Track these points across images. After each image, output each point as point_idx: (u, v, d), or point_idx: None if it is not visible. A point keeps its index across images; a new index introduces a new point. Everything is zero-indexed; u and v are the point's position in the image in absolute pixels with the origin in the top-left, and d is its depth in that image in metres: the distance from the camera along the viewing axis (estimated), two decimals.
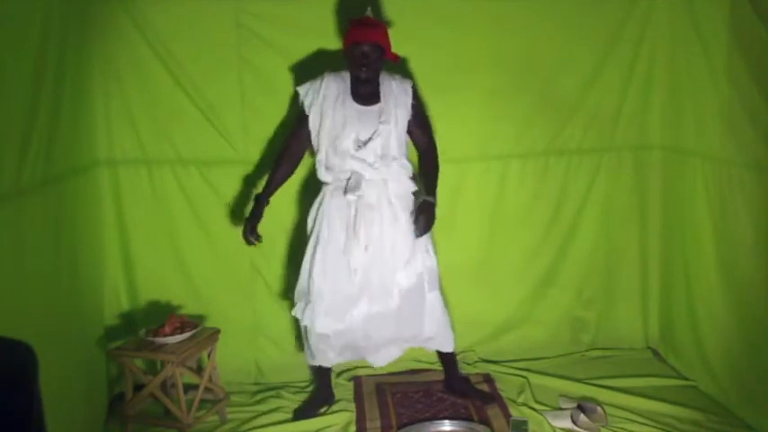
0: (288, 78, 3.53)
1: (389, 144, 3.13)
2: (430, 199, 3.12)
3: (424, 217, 3.09)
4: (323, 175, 3.18)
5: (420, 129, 3.23)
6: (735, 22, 3.08)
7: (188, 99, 3.50)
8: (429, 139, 3.26)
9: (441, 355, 3.44)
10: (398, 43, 3.46)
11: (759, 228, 3.00)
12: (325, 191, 3.21)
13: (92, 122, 3.38)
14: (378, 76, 3.15)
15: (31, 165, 2.60)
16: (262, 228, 3.62)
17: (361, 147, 3.10)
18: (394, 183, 3.16)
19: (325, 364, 3.33)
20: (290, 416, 3.33)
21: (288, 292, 3.68)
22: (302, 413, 3.32)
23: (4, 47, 2.43)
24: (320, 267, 3.14)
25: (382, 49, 3.08)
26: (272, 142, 3.58)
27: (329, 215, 3.15)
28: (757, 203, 3.00)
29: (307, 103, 3.15)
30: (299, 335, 3.50)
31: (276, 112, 3.56)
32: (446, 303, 3.30)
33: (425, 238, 3.19)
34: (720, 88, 3.20)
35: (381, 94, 3.15)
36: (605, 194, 3.85)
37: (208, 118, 3.53)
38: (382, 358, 3.31)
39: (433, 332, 3.26)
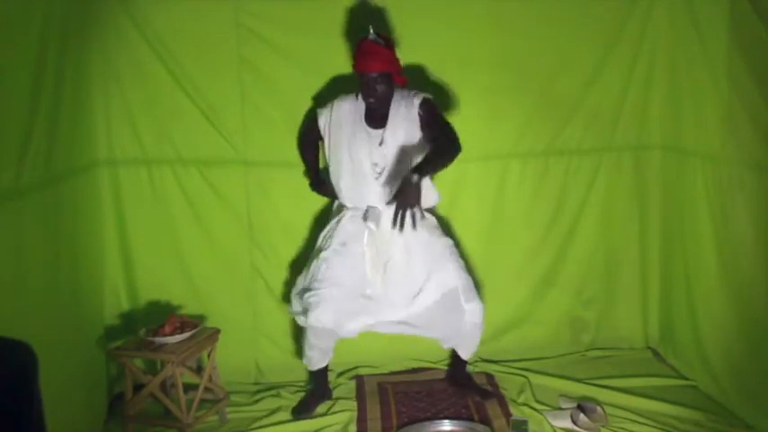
0: (288, 78, 3.53)
1: (402, 167, 3.12)
2: (411, 175, 2.81)
3: (398, 200, 2.80)
4: (343, 198, 3.29)
5: (430, 129, 3.14)
6: (735, 22, 3.08)
7: (188, 99, 3.50)
8: (440, 132, 3.10)
9: (453, 352, 3.48)
10: (398, 44, 3.47)
11: (759, 228, 3.01)
12: (345, 213, 3.29)
13: (92, 122, 3.38)
14: (389, 100, 3.16)
15: (30, 165, 2.60)
16: (262, 227, 3.65)
17: (379, 174, 3.16)
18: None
19: (323, 363, 3.34)
20: (290, 416, 3.33)
21: (288, 292, 3.69)
22: (301, 411, 3.32)
23: (4, 47, 2.43)
24: (333, 272, 3.18)
25: (390, 75, 3.10)
26: (272, 142, 3.58)
27: (345, 236, 3.23)
28: (757, 203, 3.00)
29: (321, 125, 3.29)
30: (299, 338, 3.49)
31: (276, 112, 3.56)
32: (484, 315, 3.29)
33: (451, 257, 3.26)
34: (720, 88, 3.19)
35: (390, 117, 3.17)
36: (605, 194, 3.85)
37: (208, 118, 3.53)
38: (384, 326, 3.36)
39: (460, 338, 3.31)
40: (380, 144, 3.15)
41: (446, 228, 3.55)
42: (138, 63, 3.44)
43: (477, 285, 3.39)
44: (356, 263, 3.20)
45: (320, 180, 3.47)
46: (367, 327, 3.32)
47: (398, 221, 2.78)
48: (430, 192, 3.27)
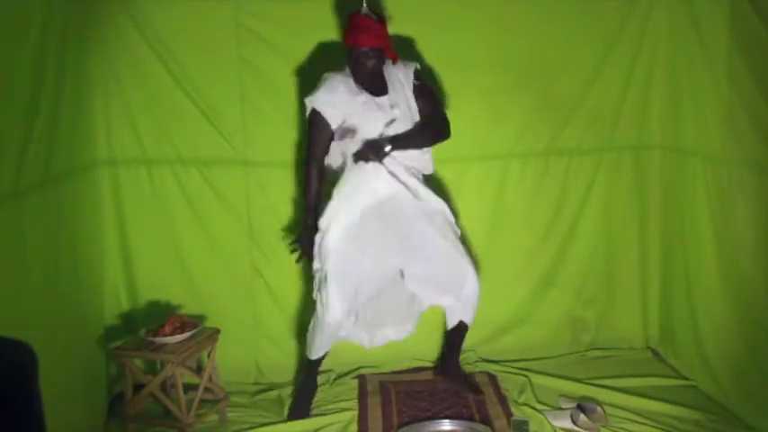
0: (288, 78, 3.53)
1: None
2: (384, 141, 3.06)
3: (364, 148, 3.05)
4: (352, 173, 3.15)
5: (425, 104, 3.21)
6: (735, 22, 3.08)
7: (188, 99, 3.50)
8: (433, 110, 3.22)
9: (451, 333, 3.43)
10: (399, 43, 3.47)
11: (759, 228, 3.00)
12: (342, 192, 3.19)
13: (92, 122, 3.38)
14: (381, 71, 3.15)
15: (30, 165, 2.60)
16: (262, 228, 3.65)
17: (389, 125, 3.12)
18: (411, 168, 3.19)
19: (327, 349, 3.30)
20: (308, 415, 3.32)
21: (288, 292, 3.69)
22: (297, 412, 3.31)
23: (4, 47, 2.43)
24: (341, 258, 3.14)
25: (381, 50, 3.09)
26: (272, 142, 3.58)
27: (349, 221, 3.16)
28: (757, 203, 3.00)
29: (328, 113, 3.11)
30: (299, 332, 3.47)
31: (276, 112, 3.56)
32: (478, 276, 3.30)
33: (453, 235, 3.27)
34: (720, 88, 3.19)
35: (389, 84, 3.16)
36: (605, 194, 3.85)
37: (208, 118, 3.53)
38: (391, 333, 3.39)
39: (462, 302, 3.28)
40: (392, 108, 3.13)
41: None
42: (138, 63, 3.44)
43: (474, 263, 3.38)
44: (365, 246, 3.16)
45: (316, 224, 3.21)
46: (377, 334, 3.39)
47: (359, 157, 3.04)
48: (429, 163, 3.29)
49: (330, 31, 3.51)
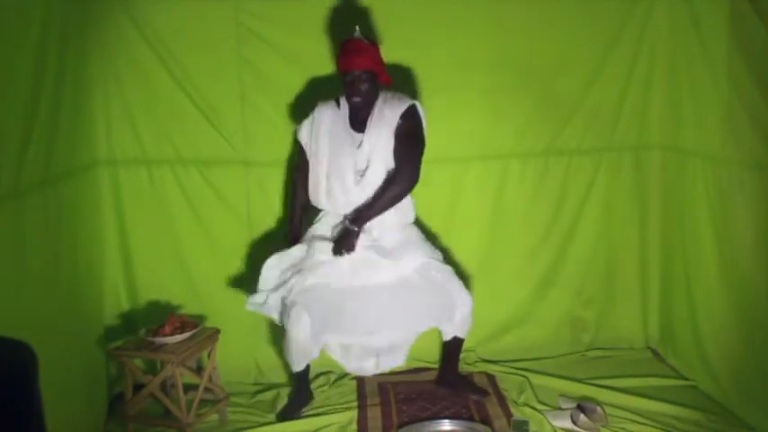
0: (288, 78, 3.53)
1: (383, 175, 3.14)
2: (350, 227, 3.13)
3: (337, 244, 3.13)
4: (322, 202, 3.24)
5: (399, 146, 3.14)
6: (735, 22, 3.08)
7: (188, 99, 3.50)
8: (409, 158, 3.13)
9: (447, 344, 3.42)
10: (399, 44, 3.48)
11: (759, 228, 3.00)
12: (323, 218, 3.27)
13: (92, 122, 3.38)
14: (374, 101, 3.15)
15: (30, 165, 2.60)
16: (262, 228, 3.65)
17: (360, 178, 3.13)
18: (386, 224, 3.20)
19: (305, 364, 3.27)
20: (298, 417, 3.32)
21: None
22: (286, 415, 3.31)
23: (4, 47, 2.43)
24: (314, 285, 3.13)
25: (374, 73, 3.09)
26: (272, 142, 3.58)
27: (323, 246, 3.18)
28: (757, 203, 3.00)
29: (304, 141, 3.23)
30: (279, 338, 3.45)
31: (276, 112, 3.56)
32: (468, 289, 3.30)
33: (421, 244, 3.25)
34: (720, 88, 3.19)
35: (369, 121, 3.15)
36: (605, 194, 3.85)
37: (208, 118, 3.53)
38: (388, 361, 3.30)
39: (453, 311, 3.25)
40: (359, 146, 3.14)
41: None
42: (138, 63, 3.44)
43: (465, 280, 3.38)
44: (337, 271, 3.16)
45: (299, 234, 3.31)
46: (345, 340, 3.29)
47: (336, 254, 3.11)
48: (409, 211, 3.30)
49: (330, 32, 3.50)
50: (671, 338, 3.82)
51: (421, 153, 3.18)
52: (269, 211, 3.65)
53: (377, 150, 3.14)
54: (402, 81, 3.55)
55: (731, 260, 3.20)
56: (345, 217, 3.18)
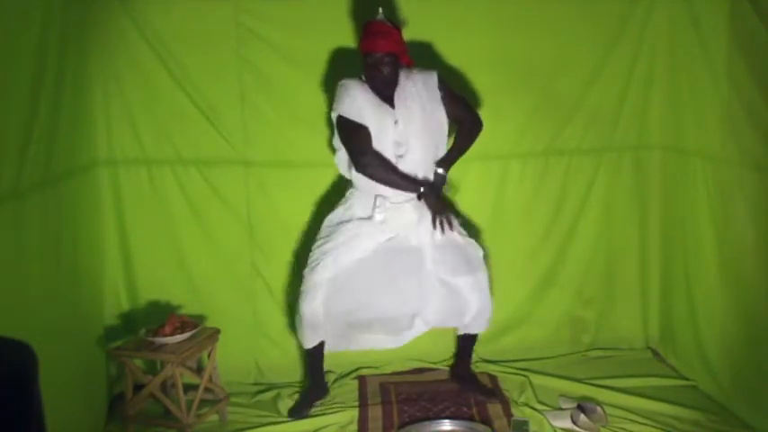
0: (288, 78, 3.53)
1: (426, 150, 3.15)
2: (440, 171, 3.18)
3: (434, 208, 3.14)
4: (366, 181, 3.16)
5: (455, 108, 3.22)
6: (735, 22, 3.08)
7: (188, 99, 3.50)
8: (464, 112, 3.25)
9: (461, 338, 3.46)
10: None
11: (759, 228, 3.01)
12: (352, 196, 3.23)
13: (92, 122, 3.38)
14: (396, 80, 3.14)
15: (30, 165, 2.60)
16: (262, 228, 3.65)
17: (400, 156, 3.12)
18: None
19: (318, 339, 3.29)
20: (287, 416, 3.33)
21: (288, 292, 3.68)
22: (297, 412, 3.32)
23: (4, 47, 2.42)
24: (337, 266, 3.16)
25: (396, 56, 3.08)
26: (272, 142, 3.58)
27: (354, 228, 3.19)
28: (757, 203, 3.00)
29: (352, 115, 3.08)
30: (293, 322, 3.44)
31: (276, 113, 3.56)
32: (490, 285, 3.34)
33: (458, 234, 3.26)
34: (720, 88, 3.20)
35: (400, 95, 3.13)
36: (605, 194, 3.85)
37: (208, 118, 3.53)
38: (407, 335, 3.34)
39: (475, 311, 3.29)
40: (396, 123, 3.12)
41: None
42: (138, 63, 3.44)
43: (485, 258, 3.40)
44: (363, 259, 3.18)
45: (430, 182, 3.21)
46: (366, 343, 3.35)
47: (438, 227, 3.15)
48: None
49: (330, 31, 3.51)
50: (671, 338, 3.82)
51: (469, 102, 3.34)
52: (269, 211, 3.64)
53: (411, 127, 3.13)
54: None
55: (731, 260, 3.20)
56: (376, 198, 3.14)
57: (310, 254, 3.26)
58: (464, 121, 3.25)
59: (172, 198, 3.58)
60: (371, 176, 3.09)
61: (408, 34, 3.50)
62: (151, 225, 3.58)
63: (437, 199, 3.17)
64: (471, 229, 3.54)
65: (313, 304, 3.17)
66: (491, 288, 3.34)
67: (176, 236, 3.61)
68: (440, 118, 3.19)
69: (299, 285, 3.27)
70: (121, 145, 3.51)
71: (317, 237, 3.29)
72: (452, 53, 3.60)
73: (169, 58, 3.45)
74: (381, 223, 3.16)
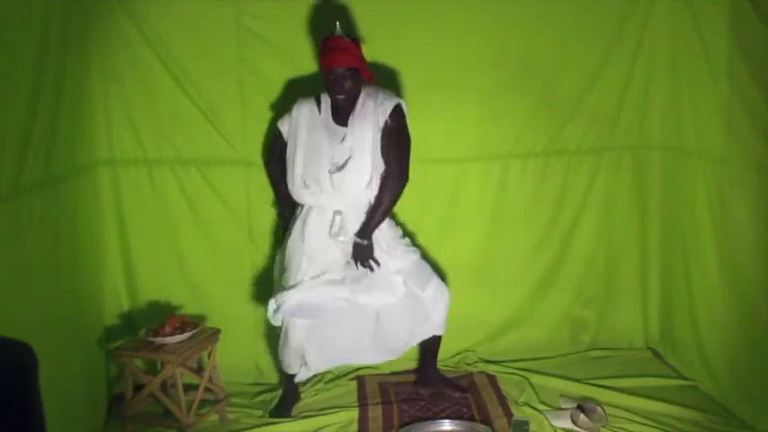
0: (288, 78, 3.53)
1: (363, 168, 3.13)
2: (360, 241, 3.15)
3: (356, 260, 3.17)
4: (300, 196, 3.23)
5: (391, 146, 3.16)
6: (735, 22, 3.08)
7: (188, 99, 3.50)
8: (398, 158, 3.16)
9: (425, 343, 3.44)
10: (398, 43, 3.48)
11: (759, 228, 3.01)
12: (308, 212, 3.24)
13: (92, 122, 3.38)
14: (357, 96, 3.15)
15: (31, 165, 2.60)
16: (262, 228, 3.65)
17: (336, 171, 3.12)
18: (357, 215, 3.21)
19: (303, 374, 3.37)
20: (290, 416, 3.33)
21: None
22: (278, 412, 3.34)
23: (4, 47, 2.42)
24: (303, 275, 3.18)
25: (356, 69, 3.09)
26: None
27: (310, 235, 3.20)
28: (757, 203, 3.00)
29: (284, 132, 3.26)
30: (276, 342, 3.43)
31: (276, 113, 3.56)
32: (445, 285, 3.34)
33: (397, 242, 3.27)
34: (720, 88, 3.20)
35: (352, 116, 3.15)
36: (605, 194, 3.85)
37: (208, 118, 3.52)
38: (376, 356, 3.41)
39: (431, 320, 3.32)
40: (342, 141, 3.14)
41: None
42: (138, 63, 3.44)
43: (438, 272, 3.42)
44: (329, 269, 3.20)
45: (285, 212, 3.39)
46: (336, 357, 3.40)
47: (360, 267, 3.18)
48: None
49: (330, 32, 3.50)
50: (671, 338, 3.82)
51: (409, 151, 3.21)
52: (269, 211, 3.64)
53: (359, 144, 3.13)
54: (402, 81, 3.55)
55: (731, 260, 3.20)
56: (334, 213, 3.17)
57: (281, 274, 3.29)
58: (390, 166, 3.16)
59: (172, 198, 3.58)
60: (267, 171, 3.42)
61: (408, 34, 3.52)
62: (151, 225, 3.58)
63: (363, 264, 3.18)
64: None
65: (298, 336, 3.18)
66: (448, 289, 3.34)
67: (176, 236, 3.60)
68: (375, 143, 3.15)
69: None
70: (121, 145, 3.51)
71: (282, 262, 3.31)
72: (452, 53, 3.59)
73: (169, 58, 3.44)
74: (342, 241, 3.18)
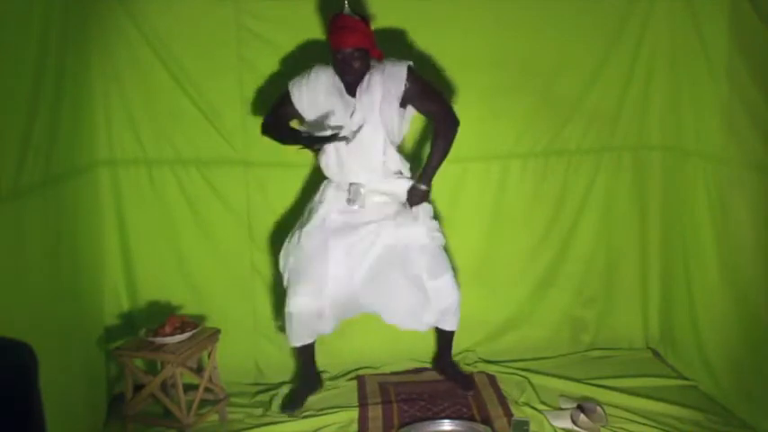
0: (288, 78, 3.52)
1: (374, 140, 3.14)
2: (419, 186, 3.20)
3: (409, 201, 3.22)
4: (326, 169, 3.25)
5: (425, 102, 3.18)
6: (735, 22, 3.08)
7: (188, 99, 3.50)
8: (438, 106, 3.20)
9: (438, 334, 3.50)
10: (398, 43, 3.48)
11: (759, 228, 3.01)
12: (327, 185, 3.28)
13: (92, 122, 3.38)
14: (365, 73, 3.13)
15: (31, 165, 2.60)
16: (262, 228, 3.65)
17: (350, 139, 3.11)
18: (384, 180, 3.23)
19: (308, 339, 3.34)
20: (290, 416, 3.33)
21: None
22: (288, 406, 3.34)
23: (4, 47, 2.42)
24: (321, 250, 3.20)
25: (366, 50, 3.08)
26: (272, 142, 3.56)
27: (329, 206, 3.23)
28: (757, 203, 3.00)
29: (294, 94, 3.18)
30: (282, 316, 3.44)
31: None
32: (456, 284, 3.34)
33: (431, 220, 3.30)
34: (720, 88, 3.20)
35: (359, 88, 3.13)
36: (605, 194, 3.85)
37: (208, 118, 3.53)
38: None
39: (441, 312, 3.32)
40: (351, 115, 3.13)
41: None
42: (138, 63, 3.44)
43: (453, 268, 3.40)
44: (336, 240, 3.22)
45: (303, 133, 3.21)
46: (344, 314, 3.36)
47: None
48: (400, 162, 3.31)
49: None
50: (671, 338, 3.82)
51: (443, 96, 3.28)
52: (269, 211, 3.65)
53: (369, 115, 3.12)
54: None
55: (731, 260, 3.20)
56: (350, 185, 3.20)
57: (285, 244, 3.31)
58: (436, 117, 3.21)
59: (172, 198, 3.58)
60: (265, 133, 3.23)
61: (407, 34, 3.52)
62: (151, 225, 3.58)
63: (413, 202, 3.24)
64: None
65: (298, 300, 3.20)
66: (458, 283, 3.36)
67: (176, 236, 3.61)
68: (393, 111, 3.16)
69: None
70: (121, 145, 3.51)
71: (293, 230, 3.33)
72: (452, 53, 3.59)
73: (169, 58, 3.45)
74: (356, 209, 3.21)
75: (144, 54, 3.43)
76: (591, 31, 3.68)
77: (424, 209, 3.29)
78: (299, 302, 3.21)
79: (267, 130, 3.24)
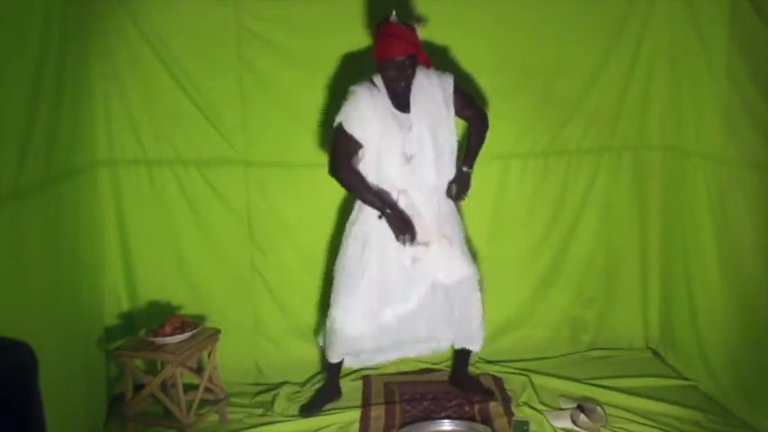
0: (288, 78, 3.53)
1: (435, 157, 3.13)
2: (465, 168, 3.25)
3: (456, 184, 3.23)
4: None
5: (465, 109, 3.25)
6: (735, 22, 3.08)
7: (188, 99, 3.50)
8: (474, 110, 3.28)
9: (459, 351, 3.48)
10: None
11: (759, 228, 3.01)
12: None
13: (92, 122, 3.38)
14: (412, 82, 3.10)
15: (31, 165, 2.60)
16: (262, 227, 3.65)
17: (408, 160, 3.10)
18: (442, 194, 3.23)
19: (343, 356, 3.36)
20: (289, 415, 3.33)
21: (288, 292, 3.69)
22: (308, 409, 3.33)
23: (4, 47, 2.42)
24: (367, 269, 3.17)
25: (414, 56, 3.05)
26: (272, 142, 3.58)
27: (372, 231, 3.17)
28: (757, 203, 3.00)
29: (357, 130, 3.06)
30: (322, 329, 3.44)
31: (276, 113, 3.56)
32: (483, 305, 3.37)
33: (463, 249, 3.27)
34: (720, 88, 3.20)
35: (413, 98, 3.10)
36: (605, 194, 3.85)
37: (208, 118, 3.53)
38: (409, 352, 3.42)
39: (468, 333, 3.35)
40: (410, 130, 3.09)
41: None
42: (138, 63, 3.44)
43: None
44: (382, 261, 3.18)
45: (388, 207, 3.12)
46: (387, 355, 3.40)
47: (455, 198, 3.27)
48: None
49: (330, 32, 3.50)
50: (671, 338, 3.82)
51: (476, 100, 3.37)
52: (269, 211, 3.64)
53: (425, 131, 3.10)
54: None
55: (731, 260, 3.20)
56: (399, 191, 3.13)
57: (339, 266, 3.24)
58: (474, 119, 3.29)
59: (172, 198, 3.58)
60: (342, 183, 3.15)
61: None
62: (151, 225, 3.58)
63: (463, 191, 3.26)
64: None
65: (354, 321, 3.18)
66: (484, 309, 3.37)
67: (176, 236, 3.61)
68: (449, 122, 3.17)
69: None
70: (121, 145, 3.51)
71: (342, 249, 3.25)
72: (452, 53, 3.59)
73: (169, 58, 3.45)
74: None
75: (144, 54, 3.43)
76: (591, 31, 3.68)
77: (458, 237, 3.26)
78: (354, 327, 3.20)
79: (352, 184, 3.13)
